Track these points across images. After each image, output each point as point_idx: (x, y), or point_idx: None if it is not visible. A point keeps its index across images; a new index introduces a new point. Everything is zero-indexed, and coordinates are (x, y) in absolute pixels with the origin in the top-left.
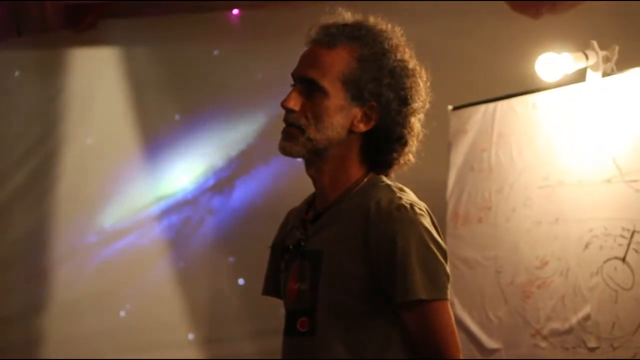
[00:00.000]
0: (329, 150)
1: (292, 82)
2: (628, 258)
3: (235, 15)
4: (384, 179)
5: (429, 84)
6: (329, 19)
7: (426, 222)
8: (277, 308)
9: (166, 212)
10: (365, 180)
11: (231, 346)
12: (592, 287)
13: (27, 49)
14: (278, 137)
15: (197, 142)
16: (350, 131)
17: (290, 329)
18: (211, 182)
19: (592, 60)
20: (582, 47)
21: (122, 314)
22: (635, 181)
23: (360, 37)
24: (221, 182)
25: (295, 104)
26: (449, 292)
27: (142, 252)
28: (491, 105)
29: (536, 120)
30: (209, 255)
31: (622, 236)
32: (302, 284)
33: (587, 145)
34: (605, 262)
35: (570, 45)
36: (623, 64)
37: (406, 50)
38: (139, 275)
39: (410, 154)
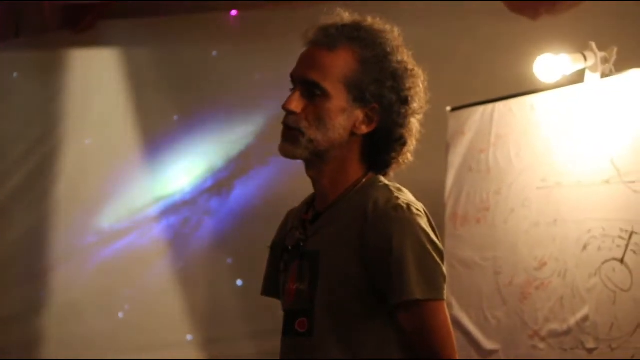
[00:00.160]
0: (331, 152)
1: (291, 84)
2: (626, 259)
3: (233, 16)
4: (382, 179)
5: (426, 84)
6: (328, 20)
7: (423, 222)
8: (276, 309)
9: (165, 212)
10: (364, 180)
11: (229, 346)
12: (591, 288)
13: (25, 49)
14: (277, 138)
15: (196, 143)
16: (352, 133)
17: (288, 330)
18: (210, 183)
19: (591, 61)
20: (581, 48)
21: (121, 314)
22: (633, 182)
23: (360, 38)
24: (220, 182)
25: (296, 106)
26: (445, 292)
27: (141, 253)
28: (489, 106)
29: (534, 122)
30: (208, 255)
31: (621, 237)
32: (301, 284)
33: (586, 147)
34: (603, 263)
35: (569, 46)
36: (621, 65)
37: (405, 51)
38: (137, 275)
39: (409, 153)
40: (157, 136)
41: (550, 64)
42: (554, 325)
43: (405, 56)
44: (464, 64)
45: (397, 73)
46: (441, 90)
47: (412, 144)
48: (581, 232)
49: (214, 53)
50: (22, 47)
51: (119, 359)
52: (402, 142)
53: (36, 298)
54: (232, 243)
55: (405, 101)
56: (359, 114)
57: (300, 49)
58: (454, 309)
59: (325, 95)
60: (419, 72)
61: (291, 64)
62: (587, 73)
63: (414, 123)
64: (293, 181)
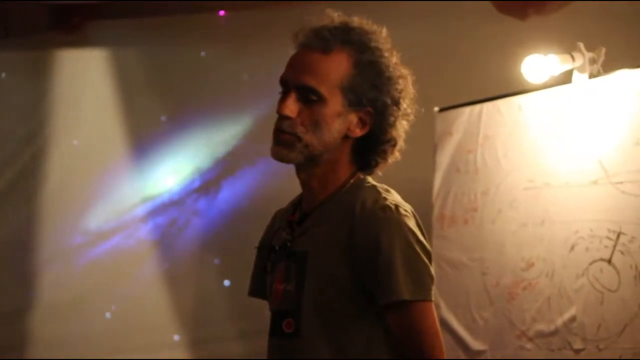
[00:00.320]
0: (324, 155)
1: (281, 87)
2: (614, 259)
3: (221, 16)
4: (370, 179)
5: (415, 85)
6: (318, 21)
7: (411, 223)
8: (263, 309)
9: (152, 213)
10: (352, 181)
11: (217, 347)
12: (578, 288)
13: (14, 49)
14: (265, 138)
15: (184, 143)
16: (345, 136)
17: (275, 330)
18: (197, 184)
19: (579, 62)
20: (569, 48)
21: (108, 315)
22: (621, 183)
23: (353, 41)
24: (207, 183)
25: (291, 110)
26: (433, 293)
27: (128, 254)
28: (477, 107)
29: (522, 122)
30: (195, 256)
31: (608, 238)
32: (288, 284)
33: (573, 147)
34: (591, 263)
35: (557, 46)
36: (609, 66)
37: (395, 52)
38: (125, 276)
39: (397, 152)
40: (145, 137)
41: (538, 64)
42: (542, 326)
43: (396, 58)
44: (452, 64)
45: (391, 76)
46: (429, 90)
47: (401, 144)
48: (569, 232)
49: (203, 54)
50: (10, 48)
51: (106, 359)
52: (392, 143)
53: (24, 299)
54: (220, 243)
55: (397, 103)
56: (353, 118)
57: (289, 50)
58: (442, 309)
59: (321, 100)
60: (408, 73)
61: (280, 65)
62: (575, 74)
63: (404, 124)
64: (281, 182)
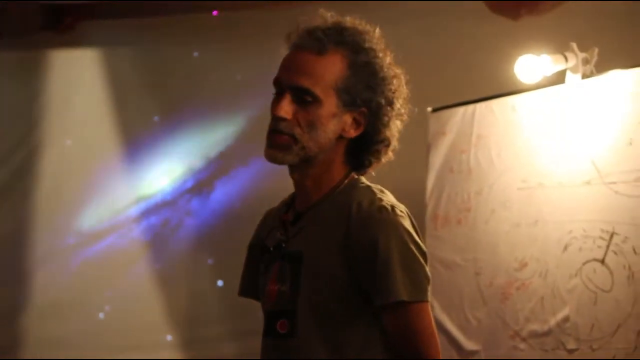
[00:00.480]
0: (319, 156)
1: (275, 88)
2: (607, 260)
3: (214, 16)
4: (364, 180)
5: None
6: (311, 22)
7: (407, 223)
8: (256, 309)
9: (145, 213)
10: (346, 181)
11: (210, 347)
12: (571, 288)
13: (6, 50)
14: (257, 138)
15: (176, 144)
16: (340, 136)
17: (269, 331)
18: (190, 184)
19: (572, 62)
20: (562, 49)
21: (101, 315)
22: (614, 183)
23: (347, 41)
24: (200, 183)
25: (287, 112)
26: (429, 294)
27: (121, 254)
28: (470, 107)
29: (515, 122)
30: (188, 256)
31: (601, 238)
32: (283, 285)
33: (567, 147)
34: (584, 263)
35: (550, 47)
36: (602, 66)
37: (388, 52)
38: (118, 276)
39: (390, 152)
40: (138, 137)
41: (531, 64)
42: (535, 326)
43: (389, 58)
44: (445, 64)
45: (385, 77)
46: (422, 90)
47: (394, 144)
48: (562, 232)
49: (195, 54)
50: (2, 48)
51: (99, 359)
52: (385, 143)
53: (17, 299)
54: (213, 244)
55: (391, 104)
56: (348, 118)
57: (282, 50)
58: (435, 309)
59: (316, 101)
60: (401, 73)
61: (273, 65)
62: (568, 74)
63: (397, 124)
64: (273, 182)
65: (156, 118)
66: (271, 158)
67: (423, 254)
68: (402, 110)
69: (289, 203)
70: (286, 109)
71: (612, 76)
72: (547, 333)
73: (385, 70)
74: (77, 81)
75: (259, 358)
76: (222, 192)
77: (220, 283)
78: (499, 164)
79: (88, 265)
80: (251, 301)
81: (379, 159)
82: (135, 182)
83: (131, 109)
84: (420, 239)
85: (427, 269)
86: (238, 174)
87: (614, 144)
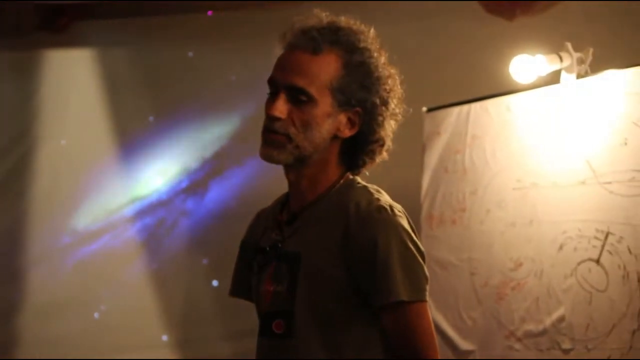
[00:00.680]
0: (313, 156)
1: (270, 87)
2: (602, 259)
3: (209, 17)
4: (359, 179)
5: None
6: (306, 21)
7: (405, 223)
8: (251, 309)
9: (140, 213)
10: (342, 181)
11: (205, 347)
12: (566, 288)
13: (1, 50)
14: (252, 138)
15: (171, 144)
16: (334, 136)
17: (265, 331)
18: (185, 184)
19: (566, 62)
20: (556, 49)
21: (96, 315)
22: (609, 183)
23: (342, 41)
24: (195, 183)
25: (282, 111)
26: (427, 294)
27: (116, 254)
28: (465, 107)
29: (510, 122)
30: (183, 256)
31: (596, 238)
32: (279, 285)
33: (561, 147)
34: (579, 263)
35: (545, 47)
36: (597, 66)
37: (383, 52)
38: (113, 276)
39: (385, 152)
40: (133, 137)
41: (526, 64)
42: (530, 326)
43: (384, 58)
44: (440, 64)
45: (380, 76)
46: (417, 90)
47: (389, 144)
48: (557, 232)
49: (190, 54)
50: None
51: (94, 359)
52: (380, 143)
53: (11, 299)
54: (208, 243)
55: (385, 103)
56: (343, 118)
57: (277, 50)
58: (430, 309)
59: (311, 100)
60: (396, 73)
61: (267, 66)
62: (563, 74)
63: (392, 124)
64: (268, 182)
65: (151, 118)
66: (266, 156)
67: (421, 253)
68: (397, 110)
69: (283, 203)
70: (281, 108)
71: (607, 76)
72: (542, 333)
73: (380, 70)
74: (72, 81)
75: (254, 358)
76: (217, 192)
77: (215, 283)
78: (494, 164)
79: (83, 264)
80: (246, 301)
81: (373, 158)
82: (130, 182)
83: (126, 109)
84: (418, 239)
85: (426, 268)
86: (233, 174)
87: (608, 143)
